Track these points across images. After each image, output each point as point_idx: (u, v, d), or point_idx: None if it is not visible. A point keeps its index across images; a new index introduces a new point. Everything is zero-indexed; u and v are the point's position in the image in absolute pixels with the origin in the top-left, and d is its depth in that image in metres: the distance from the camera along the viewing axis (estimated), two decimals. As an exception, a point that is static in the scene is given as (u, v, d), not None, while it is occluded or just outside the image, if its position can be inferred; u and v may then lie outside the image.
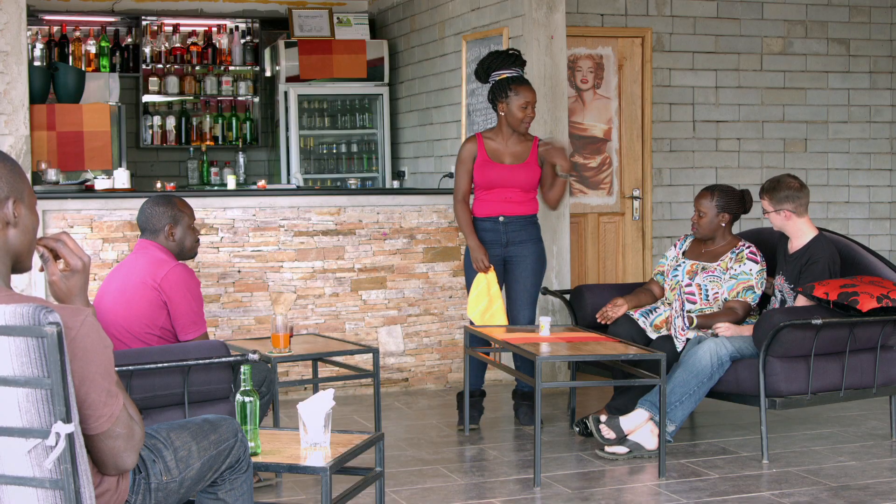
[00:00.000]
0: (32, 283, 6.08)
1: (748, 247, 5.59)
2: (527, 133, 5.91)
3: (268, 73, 9.96)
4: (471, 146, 5.92)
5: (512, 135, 5.89)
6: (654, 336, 5.49)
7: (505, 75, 5.84)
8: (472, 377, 5.93)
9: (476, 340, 5.83)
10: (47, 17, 9.45)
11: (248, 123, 10.07)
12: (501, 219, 5.88)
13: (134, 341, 4.58)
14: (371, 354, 5.39)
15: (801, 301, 5.32)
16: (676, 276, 5.68)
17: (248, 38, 10.01)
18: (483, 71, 5.94)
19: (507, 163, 5.87)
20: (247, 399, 3.51)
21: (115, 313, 4.61)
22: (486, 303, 5.83)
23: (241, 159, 9.95)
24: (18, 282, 5.98)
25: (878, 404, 6.24)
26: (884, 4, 8.61)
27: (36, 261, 2.58)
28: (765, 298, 5.71)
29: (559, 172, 5.78)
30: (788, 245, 5.54)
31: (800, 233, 5.46)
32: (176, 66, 9.84)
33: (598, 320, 5.67)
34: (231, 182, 7.99)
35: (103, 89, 8.61)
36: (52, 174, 7.16)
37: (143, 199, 5.26)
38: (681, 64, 8.14)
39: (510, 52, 5.94)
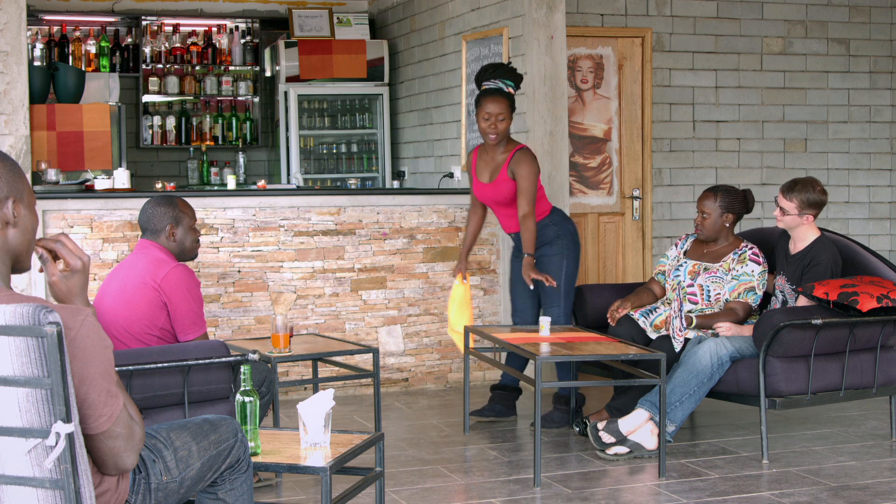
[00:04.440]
0: (32, 283, 6.08)
1: (750, 248, 5.59)
2: (509, 143, 5.86)
3: (268, 73, 9.96)
4: (471, 159, 6.07)
5: (493, 148, 5.89)
6: (654, 336, 5.49)
7: (484, 87, 5.86)
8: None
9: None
10: (47, 17, 9.45)
11: (248, 123, 10.07)
12: (511, 235, 6.01)
13: (133, 341, 4.58)
14: (371, 354, 5.39)
15: (803, 302, 5.32)
16: (678, 276, 5.67)
17: (248, 38, 10.01)
18: (476, 82, 5.99)
19: (483, 180, 5.95)
20: (247, 399, 3.51)
21: (115, 313, 4.61)
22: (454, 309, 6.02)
23: (241, 159, 9.95)
24: (18, 282, 5.98)
25: (878, 404, 6.24)
26: (884, 4, 8.61)
27: (35, 261, 2.58)
28: (765, 298, 5.70)
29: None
30: (790, 245, 5.54)
31: (804, 234, 5.45)
32: (176, 66, 9.84)
33: (610, 321, 5.63)
34: (231, 182, 7.99)
35: (103, 89, 8.61)
36: (52, 174, 7.15)
37: (144, 200, 5.26)
38: (681, 64, 8.14)
39: (507, 64, 5.96)
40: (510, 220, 5.94)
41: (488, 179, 5.89)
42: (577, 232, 6.01)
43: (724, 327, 5.34)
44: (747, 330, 5.34)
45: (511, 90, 5.84)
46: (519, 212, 5.75)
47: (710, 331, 5.40)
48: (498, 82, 5.83)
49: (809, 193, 5.37)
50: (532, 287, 5.81)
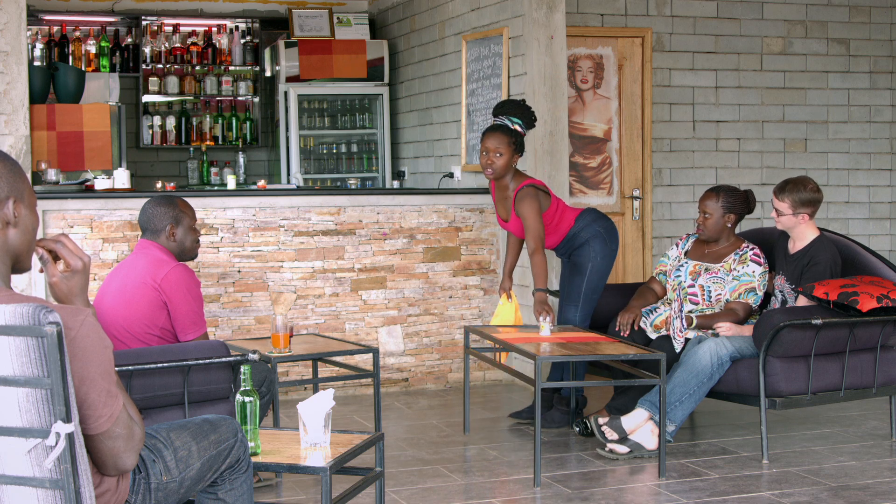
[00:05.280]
0: (32, 283, 6.08)
1: (751, 248, 5.58)
2: (516, 178, 5.79)
3: (268, 73, 9.96)
4: (490, 188, 6.05)
5: (502, 184, 5.85)
6: (654, 336, 5.49)
7: (492, 122, 5.87)
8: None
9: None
10: (47, 17, 9.45)
11: (248, 123, 10.07)
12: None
13: (134, 341, 4.58)
14: (371, 354, 5.39)
15: (802, 301, 5.32)
16: (679, 276, 5.67)
17: (248, 38, 10.01)
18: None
19: (501, 215, 5.94)
20: (247, 399, 3.51)
21: (115, 313, 4.61)
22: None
23: (241, 159, 9.95)
24: (18, 282, 5.98)
25: (878, 404, 6.24)
26: (884, 4, 8.61)
27: (35, 262, 2.58)
28: (765, 299, 5.70)
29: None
30: (789, 245, 5.53)
31: (804, 234, 5.45)
32: (176, 66, 9.84)
33: (623, 334, 5.54)
34: (231, 182, 8.00)
35: (103, 89, 8.61)
36: (52, 174, 7.16)
37: (144, 199, 5.26)
38: (681, 64, 8.14)
39: (521, 102, 5.91)
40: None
41: (505, 217, 5.90)
42: (608, 230, 5.85)
43: (725, 327, 5.34)
44: (747, 330, 5.34)
45: (517, 127, 5.77)
46: (527, 248, 5.72)
47: (710, 331, 5.40)
48: (504, 118, 5.80)
49: (801, 192, 5.37)
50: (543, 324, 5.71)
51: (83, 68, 9.24)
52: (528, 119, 5.85)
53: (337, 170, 9.68)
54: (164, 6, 9.78)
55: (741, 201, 5.63)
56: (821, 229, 5.55)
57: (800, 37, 8.43)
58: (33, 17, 9.18)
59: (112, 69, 9.49)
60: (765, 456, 5.15)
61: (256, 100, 10.10)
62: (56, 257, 2.54)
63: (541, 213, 5.70)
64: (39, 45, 9.18)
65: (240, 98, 10.07)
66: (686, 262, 5.70)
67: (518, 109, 5.84)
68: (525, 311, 6.44)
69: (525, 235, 5.75)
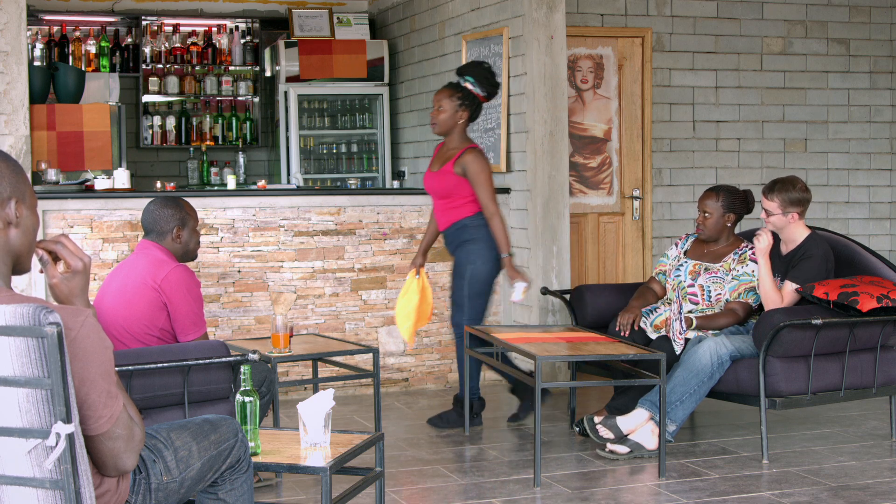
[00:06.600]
0: (32, 283, 6.08)
1: (751, 248, 5.58)
2: (463, 141, 5.82)
3: (268, 73, 9.96)
4: (433, 153, 6.04)
5: (447, 143, 5.88)
6: (653, 336, 5.49)
7: None
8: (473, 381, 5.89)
9: (476, 342, 5.79)
10: (47, 17, 9.45)
11: (248, 123, 10.07)
12: (442, 231, 5.94)
13: (133, 342, 4.58)
14: (371, 354, 5.39)
15: (789, 291, 5.29)
16: (678, 276, 5.67)
17: (248, 38, 10.01)
18: None
19: (433, 169, 5.92)
20: (247, 399, 3.51)
21: (115, 314, 4.61)
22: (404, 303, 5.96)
23: (241, 159, 9.95)
24: (18, 282, 5.98)
25: (878, 404, 6.24)
26: (884, 4, 8.61)
27: (36, 262, 2.58)
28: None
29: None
30: (781, 247, 5.54)
31: (795, 235, 5.45)
32: (176, 66, 9.84)
33: (623, 334, 5.55)
34: (231, 182, 8.00)
35: (103, 89, 8.61)
36: (52, 174, 7.16)
37: (144, 200, 5.26)
38: (681, 64, 8.14)
39: (482, 64, 5.91)
40: (444, 214, 5.86)
41: (437, 168, 5.87)
42: (490, 238, 5.79)
43: (763, 239, 5.29)
44: (766, 272, 5.30)
45: (469, 85, 5.79)
46: (485, 212, 5.70)
47: (710, 331, 5.41)
48: (459, 78, 5.87)
49: (790, 192, 5.37)
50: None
51: (83, 68, 9.24)
52: (482, 80, 5.82)
53: (337, 170, 9.68)
54: (164, 6, 9.78)
55: (741, 201, 5.63)
56: (813, 228, 5.55)
57: (800, 37, 8.43)
58: (33, 17, 9.19)
59: (112, 69, 9.49)
60: (765, 456, 5.15)
61: (256, 100, 10.10)
62: (56, 258, 2.54)
63: (490, 173, 5.72)
64: (39, 45, 9.18)
65: (240, 98, 10.07)
66: (685, 262, 5.70)
67: (474, 70, 5.86)
68: (433, 291, 6.42)
69: (479, 197, 5.70)
